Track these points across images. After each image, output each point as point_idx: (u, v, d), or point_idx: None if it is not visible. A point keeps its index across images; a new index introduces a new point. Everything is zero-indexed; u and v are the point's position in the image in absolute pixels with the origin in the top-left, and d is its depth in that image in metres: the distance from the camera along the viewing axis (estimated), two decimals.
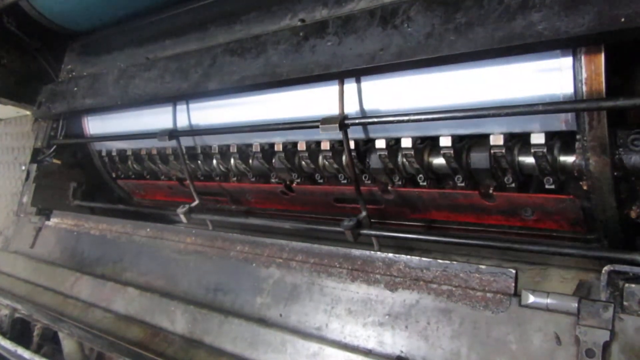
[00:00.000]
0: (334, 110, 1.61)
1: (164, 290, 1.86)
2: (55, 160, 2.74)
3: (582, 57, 1.21)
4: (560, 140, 1.37)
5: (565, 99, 1.26)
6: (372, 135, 1.68)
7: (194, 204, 2.15)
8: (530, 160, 1.40)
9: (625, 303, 1.07)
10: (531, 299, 1.16)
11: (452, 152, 1.48)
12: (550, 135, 1.35)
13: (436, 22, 1.32)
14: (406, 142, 1.56)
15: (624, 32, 1.05)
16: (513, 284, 1.21)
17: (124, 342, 1.71)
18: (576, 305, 1.10)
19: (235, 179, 2.19)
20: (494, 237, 1.60)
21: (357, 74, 1.58)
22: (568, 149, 1.35)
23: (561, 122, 1.31)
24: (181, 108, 2.16)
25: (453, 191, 1.60)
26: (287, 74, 1.61)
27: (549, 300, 1.14)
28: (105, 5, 2.31)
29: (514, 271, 1.22)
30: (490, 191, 1.53)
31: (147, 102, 2.16)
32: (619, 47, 1.21)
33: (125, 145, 2.54)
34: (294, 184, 1.98)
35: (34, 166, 2.70)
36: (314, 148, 1.82)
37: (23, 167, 2.75)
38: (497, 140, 1.42)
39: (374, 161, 1.68)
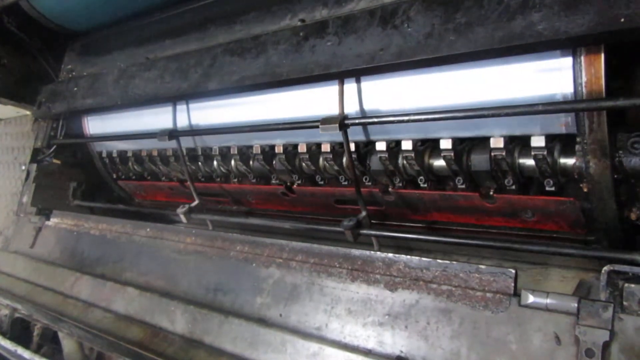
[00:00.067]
0: (334, 111, 1.61)
1: (163, 290, 1.86)
2: (55, 160, 2.74)
3: (582, 58, 1.21)
4: (561, 142, 1.37)
5: (565, 99, 1.26)
6: (372, 137, 1.68)
7: (194, 204, 2.15)
8: (530, 162, 1.40)
9: (624, 303, 1.07)
10: (531, 298, 1.16)
11: (452, 154, 1.48)
12: (550, 138, 1.36)
13: (436, 22, 1.32)
14: (406, 144, 1.56)
15: (624, 32, 1.05)
16: (513, 284, 1.21)
17: (124, 342, 1.71)
18: (576, 305, 1.10)
19: (236, 180, 2.19)
20: (494, 238, 1.60)
21: (357, 74, 1.58)
22: (568, 152, 1.36)
23: (561, 125, 1.31)
24: (181, 108, 2.16)
25: (454, 193, 1.60)
26: (287, 74, 1.61)
27: (548, 300, 1.14)
28: (105, 5, 2.31)
29: (513, 271, 1.22)
30: (491, 193, 1.53)
31: (147, 102, 2.16)
32: (619, 47, 1.21)
33: (126, 147, 2.54)
34: (295, 186, 1.98)
35: (34, 166, 2.70)
36: (314, 150, 1.82)
37: (23, 167, 2.75)
38: (497, 143, 1.42)
39: (374, 163, 1.68)
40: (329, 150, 1.74)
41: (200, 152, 2.21)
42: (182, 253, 1.92)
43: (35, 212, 2.59)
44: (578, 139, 1.29)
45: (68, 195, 2.79)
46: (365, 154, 1.72)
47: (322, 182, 1.92)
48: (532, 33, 1.15)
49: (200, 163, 2.23)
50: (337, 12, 1.65)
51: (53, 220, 2.54)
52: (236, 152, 2.06)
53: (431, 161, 1.60)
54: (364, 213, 1.65)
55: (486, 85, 1.39)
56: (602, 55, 1.18)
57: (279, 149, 1.89)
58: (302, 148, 1.81)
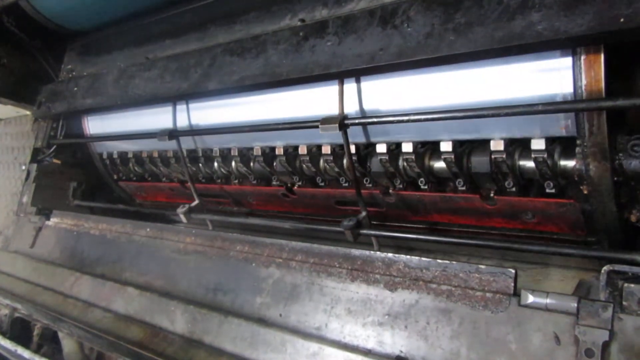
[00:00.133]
0: (334, 111, 1.61)
1: (163, 290, 1.86)
2: (55, 160, 2.74)
3: (582, 58, 1.21)
4: (561, 145, 1.37)
5: (564, 99, 1.26)
6: (372, 139, 1.68)
7: (193, 204, 2.15)
8: (530, 164, 1.40)
9: (624, 303, 1.07)
10: (530, 298, 1.17)
11: (452, 156, 1.48)
12: (550, 141, 1.36)
13: (436, 22, 1.32)
14: (407, 147, 1.56)
15: (624, 32, 1.05)
16: (512, 284, 1.21)
17: (124, 342, 1.71)
18: (575, 305, 1.10)
19: (236, 181, 2.19)
20: (494, 238, 1.60)
21: (357, 74, 1.58)
22: (568, 154, 1.36)
23: (561, 128, 1.31)
24: (181, 108, 2.16)
25: (454, 195, 1.60)
26: (286, 74, 1.61)
27: (548, 300, 1.14)
28: (105, 5, 2.31)
29: (513, 271, 1.22)
30: (491, 195, 1.53)
31: (147, 102, 2.17)
32: (619, 47, 1.21)
33: (126, 148, 2.54)
34: (295, 187, 1.98)
35: (34, 166, 2.71)
36: (314, 151, 1.82)
37: (23, 167, 2.75)
38: (497, 145, 1.42)
39: (374, 165, 1.69)
40: (329, 152, 1.74)
41: (200, 154, 2.21)
42: (182, 253, 1.92)
43: (35, 212, 2.59)
44: (578, 142, 1.29)
45: (68, 195, 2.79)
46: (365, 155, 1.72)
47: (322, 184, 1.92)
48: (532, 33, 1.15)
49: (200, 164, 2.23)
50: (337, 12, 1.65)
51: (53, 220, 2.54)
52: (236, 153, 2.06)
53: (431, 163, 1.60)
54: (363, 213, 1.65)
55: (486, 86, 1.39)
56: (602, 56, 1.18)
57: (279, 151, 1.89)
58: (302, 150, 1.81)
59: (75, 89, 2.44)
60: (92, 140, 2.66)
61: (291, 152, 1.89)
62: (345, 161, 1.73)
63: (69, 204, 2.77)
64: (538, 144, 1.34)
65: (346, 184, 1.83)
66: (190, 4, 2.14)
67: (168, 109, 2.18)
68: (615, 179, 1.28)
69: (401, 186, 1.69)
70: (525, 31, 1.16)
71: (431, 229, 1.80)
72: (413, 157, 1.56)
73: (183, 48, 2.12)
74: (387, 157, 1.62)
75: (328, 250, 1.55)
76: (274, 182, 2.04)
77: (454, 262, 1.31)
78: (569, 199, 1.41)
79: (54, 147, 2.72)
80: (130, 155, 2.52)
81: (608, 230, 1.39)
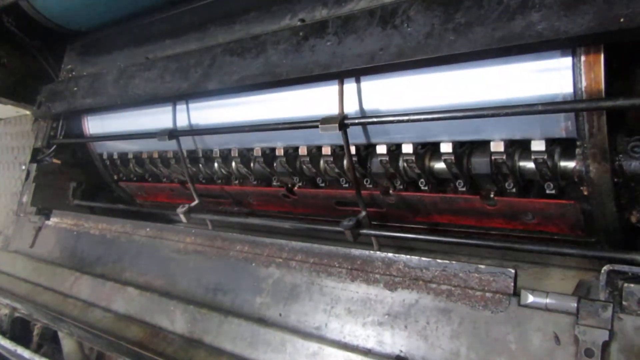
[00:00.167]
0: (334, 111, 1.61)
1: (163, 290, 1.86)
2: (55, 160, 2.74)
3: (582, 58, 1.21)
4: (561, 146, 1.37)
5: (564, 99, 1.26)
6: (372, 140, 1.68)
7: (193, 204, 2.15)
8: (530, 165, 1.40)
9: (624, 303, 1.07)
10: (530, 298, 1.17)
11: (453, 158, 1.48)
12: (550, 142, 1.36)
13: (436, 22, 1.32)
14: (407, 148, 1.56)
15: (624, 32, 1.05)
16: (512, 284, 1.21)
17: (124, 342, 1.71)
18: (575, 305, 1.10)
19: (237, 182, 2.19)
20: (494, 238, 1.60)
21: (357, 74, 1.58)
22: (568, 155, 1.36)
23: (561, 129, 1.31)
24: (181, 108, 2.16)
25: (454, 195, 1.60)
26: (286, 74, 1.61)
27: (548, 300, 1.14)
28: (105, 5, 2.31)
29: (513, 271, 1.22)
30: (492, 196, 1.53)
31: (147, 102, 2.17)
32: (619, 47, 1.21)
33: (127, 148, 2.54)
34: (296, 188, 1.98)
35: (34, 166, 2.70)
36: (315, 152, 1.82)
37: (23, 167, 2.75)
38: (497, 146, 1.42)
39: (375, 165, 1.69)
40: (329, 153, 1.74)
41: (201, 154, 2.21)
42: (181, 253, 1.92)
43: (35, 211, 2.59)
44: (578, 143, 1.29)
45: (68, 195, 2.79)
46: (365, 156, 1.72)
47: (323, 185, 1.92)
48: (532, 33, 1.15)
49: (201, 165, 2.23)
50: (337, 12, 1.65)
51: (53, 220, 2.54)
52: (237, 154, 2.06)
53: (432, 164, 1.60)
54: (363, 213, 1.65)
55: (486, 86, 1.39)
56: (602, 56, 1.18)
57: (279, 152, 1.89)
58: (302, 151, 1.81)
59: (75, 88, 2.44)
60: (92, 140, 2.66)
61: (291, 153, 1.89)
62: (345, 162, 1.73)
63: (69, 203, 2.77)
64: (538, 146, 1.35)
65: (346, 185, 1.83)
66: (190, 4, 2.14)
67: (168, 109, 2.18)
68: (616, 180, 1.28)
69: (401, 187, 1.69)
70: (525, 31, 1.16)
71: (431, 230, 1.80)
72: (413, 158, 1.56)
73: (183, 48, 2.12)
74: (387, 158, 1.62)
75: (328, 250, 1.55)
76: (275, 183, 2.04)
77: (454, 262, 1.31)
78: (569, 200, 1.41)
79: (54, 147, 2.72)
80: (130, 156, 2.52)
81: (608, 231, 1.39)
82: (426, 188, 1.63)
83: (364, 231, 1.61)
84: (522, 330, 1.15)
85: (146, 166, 2.49)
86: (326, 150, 1.75)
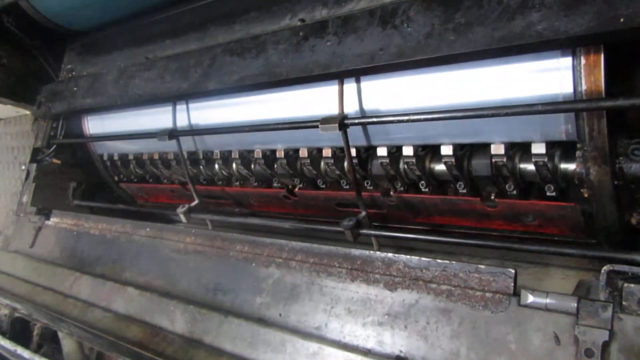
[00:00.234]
0: (334, 111, 1.61)
1: (163, 290, 1.86)
2: (55, 160, 2.74)
3: (582, 58, 1.21)
4: (561, 148, 1.37)
5: (564, 99, 1.26)
6: (373, 142, 1.67)
7: (193, 204, 2.15)
8: (531, 168, 1.40)
9: (624, 303, 1.07)
10: (530, 298, 1.17)
11: (453, 160, 1.48)
12: (550, 145, 1.36)
13: (436, 22, 1.32)
14: (407, 150, 1.56)
15: (623, 32, 1.05)
16: (512, 284, 1.21)
17: (124, 342, 1.71)
18: (575, 305, 1.10)
19: (237, 183, 2.19)
20: (494, 239, 1.60)
21: (357, 74, 1.58)
22: (569, 157, 1.36)
23: (562, 132, 1.31)
24: (181, 108, 2.16)
25: (455, 197, 1.60)
26: (286, 73, 1.61)
27: (548, 300, 1.14)
28: (105, 5, 2.31)
29: (513, 271, 1.22)
30: (492, 197, 1.53)
31: (147, 101, 2.16)
32: (619, 47, 1.21)
33: (127, 149, 2.54)
34: (297, 189, 1.98)
35: (34, 166, 2.70)
36: (315, 154, 1.82)
37: (23, 167, 2.75)
38: (498, 149, 1.42)
39: (375, 167, 1.69)
40: (330, 155, 1.74)
41: (201, 156, 2.21)
42: (181, 253, 1.92)
43: (35, 211, 2.59)
44: (578, 146, 1.29)
45: (68, 195, 2.78)
46: (366, 158, 1.72)
47: (323, 186, 1.91)
48: (532, 33, 1.15)
49: (201, 167, 2.23)
50: (337, 12, 1.65)
51: (53, 220, 2.54)
52: (237, 156, 2.06)
53: (432, 166, 1.60)
54: (363, 213, 1.65)
55: (486, 86, 1.39)
56: (602, 56, 1.18)
57: (280, 153, 1.89)
58: (303, 153, 1.81)
59: (75, 88, 2.44)
60: (91, 140, 2.66)
61: (292, 154, 1.89)
62: (345, 163, 1.72)
63: (69, 203, 2.77)
64: (539, 148, 1.35)
65: (347, 186, 1.83)
66: (190, 4, 2.14)
67: (168, 109, 2.18)
68: (616, 182, 1.28)
69: (402, 189, 1.69)
70: (525, 31, 1.16)
71: (432, 231, 1.80)
72: (414, 160, 1.56)
73: (183, 48, 2.12)
74: (387, 160, 1.62)
75: (328, 250, 1.55)
76: (275, 184, 2.04)
77: (454, 262, 1.31)
78: (570, 202, 1.41)
79: (54, 147, 2.71)
80: (131, 157, 2.52)
81: (608, 232, 1.40)
82: (427, 190, 1.63)
83: (364, 231, 1.61)
84: (522, 330, 1.15)
85: (147, 167, 2.49)
86: (327, 152, 1.76)
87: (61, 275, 2.20)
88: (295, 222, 1.89)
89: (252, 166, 2.04)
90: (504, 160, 1.42)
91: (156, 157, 2.37)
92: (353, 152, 1.67)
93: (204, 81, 1.85)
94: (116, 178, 2.74)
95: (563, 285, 1.55)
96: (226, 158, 2.12)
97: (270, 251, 1.68)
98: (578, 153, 1.29)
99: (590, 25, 1.08)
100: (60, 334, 2.08)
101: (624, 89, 1.30)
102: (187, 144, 2.21)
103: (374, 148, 1.67)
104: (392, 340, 1.31)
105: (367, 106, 1.62)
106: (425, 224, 1.80)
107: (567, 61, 1.24)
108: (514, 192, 1.48)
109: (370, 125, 1.64)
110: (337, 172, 1.77)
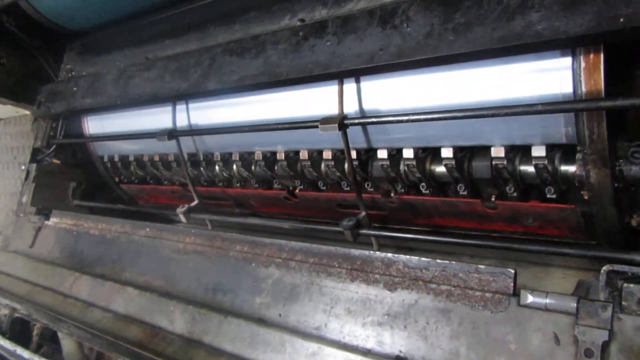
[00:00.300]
0: (334, 111, 1.61)
1: (163, 290, 1.86)
2: (54, 160, 2.74)
3: (582, 58, 1.21)
4: (561, 150, 1.37)
5: (564, 99, 1.26)
6: (373, 144, 1.67)
7: (193, 204, 2.15)
8: (531, 170, 1.40)
9: (624, 303, 1.07)
10: (530, 298, 1.16)
11: (453, 162, 1.48)
12: (550, 147, 1.36)
13: (435, 22, 1.32)
14: (408, 152, 1.56)
15: (623, 32, 1.05)
16: (512, 284, 1.21)
17: (123, 342, 1.71)
18: (575, 305, 1.10)
19: (238, 184, 2.19)
20: (494, 239, 1.60)
21: (357, 74, 1.58)
22: (569, 160, 1.36)
23: (561, 134, 1.31)
24: (180, 108, 2.15)
25: (455, 199, 1.60)
26: (286, 73, 1.61)
27: (547, 300, 1.14)
28: (105, 5, 2.31)
29: (512, 271, 1.22)
30: (492, 199, 1.53)
31: (147, 102, 2.16)
32: (619, 47, 1.21)
33: (127, 150, 2.53)
34: (297, 190, 1.97)
35: (34, 166, 2.70)
36: (316, 156, 1.82)
37: (23, 167, 2.75)
38: (498, 152, 1.42)
39: (376, 169, 1.68)
40: (330, 157, 1.74)
41: (202, 158, 2.21)
42: (181, 253, 1.92)
43: (35, 211, 2.59)
44: (578, 148, 1.29)
45: (68, 195, 2.79)
46: (366, 160, 1.72)
47: (324, 188, 1.91)
48: (532, 33, 1.15)
49: (202, 168, 2.22)
50: (337, 12, 1.65)
51: (53, 220, 2.54)
52: (238, 157, 2.05)
53: (432, 168, 1.60)
54: (363, 213, 1.65)
55: (485, 86, 1.39)
56: (602, 56, 1.18)
57: (280, 155, 1.89)
58: (303, 155, 1.81)
59: (75, 88, 2.43)
60: (91, 140, 2.66)
61: (292, 156, 1.89)
62: (346, 165, 1.72)
63: (69, 204, 2.77)
64: (539, 151, 1.35)
65: (348, 188, 1.83)
66: (190, 4, 2.14)
67: (168, 109, 2.18)
68: (616, 185, 1.28)
69: (402, 190, 1.69)
70: (525, 31, 1.16)
71: (432, 232, 1.80)
72: (414, 162, 1.56)
73: (183, 48, 2.12)
74: (388, 162, 1.62)
75: (327, 250, 1.55)
76: (276, 186, 2.03)
77: (454, 262, 1.31)
78: (570, 204, 1.41)
79: (54, 147, 2.71)
80: (131, 158, 2.52)
81: (608, 234, 1.40)
82: (427, 191, 1.63)
83: (364, 231, 1.61)
84: (521, 330, 1.15)
85: (147, 168, 2.49)
86: (327, 154, 1.75)
87: (61, 276, 2.20)
88: (294, 222, 1.89)
89: (253, 168, 2.04)
90: (504, 162, 1.42)
91: (157, 158, 2.37)
92: (353, 154, 1.67)
93: (203, 81, 1.85)
94: (117, 179, 2.74)
95: (563, 286, 1.55)
96: (227, 160, 2.12)
97: (269, 251, 1.68)
98: (578, 156, 1.29)
99: (590, 25, 1.08)
100: (60, 334, 2.08)
101: (624, 89, 1.30)
102: (187, 145, 2.21)
103: (374, 150, 1.67)
104: (391, 341, 1.31)
105: (366, 106, 1.62)
106: (426, 226, 1.80)
107: (567, 61, 1.24)
108: (514, 194, 1.48)
109: (370, 127, 1.64)
110: (338, 173, 1.77)
